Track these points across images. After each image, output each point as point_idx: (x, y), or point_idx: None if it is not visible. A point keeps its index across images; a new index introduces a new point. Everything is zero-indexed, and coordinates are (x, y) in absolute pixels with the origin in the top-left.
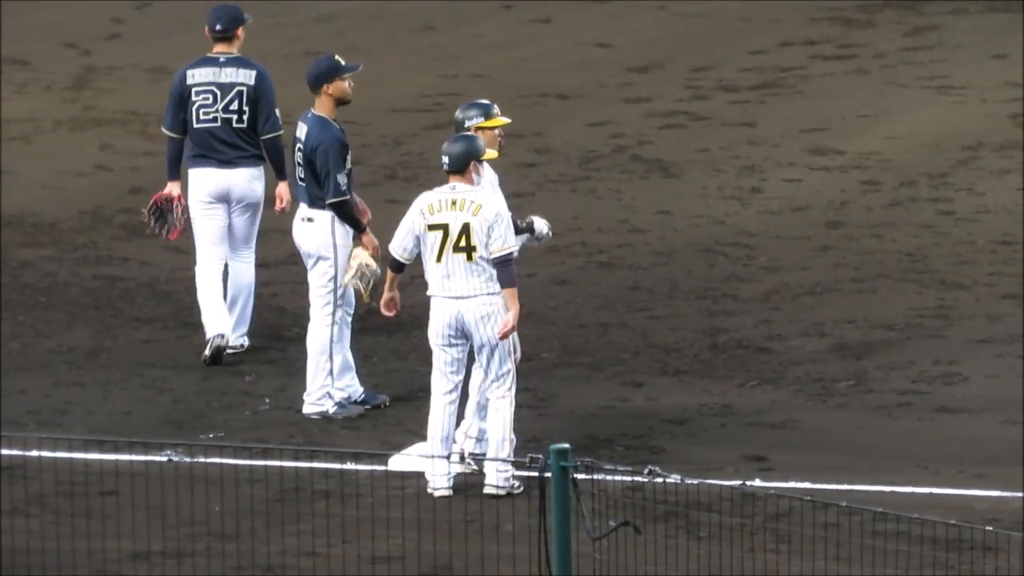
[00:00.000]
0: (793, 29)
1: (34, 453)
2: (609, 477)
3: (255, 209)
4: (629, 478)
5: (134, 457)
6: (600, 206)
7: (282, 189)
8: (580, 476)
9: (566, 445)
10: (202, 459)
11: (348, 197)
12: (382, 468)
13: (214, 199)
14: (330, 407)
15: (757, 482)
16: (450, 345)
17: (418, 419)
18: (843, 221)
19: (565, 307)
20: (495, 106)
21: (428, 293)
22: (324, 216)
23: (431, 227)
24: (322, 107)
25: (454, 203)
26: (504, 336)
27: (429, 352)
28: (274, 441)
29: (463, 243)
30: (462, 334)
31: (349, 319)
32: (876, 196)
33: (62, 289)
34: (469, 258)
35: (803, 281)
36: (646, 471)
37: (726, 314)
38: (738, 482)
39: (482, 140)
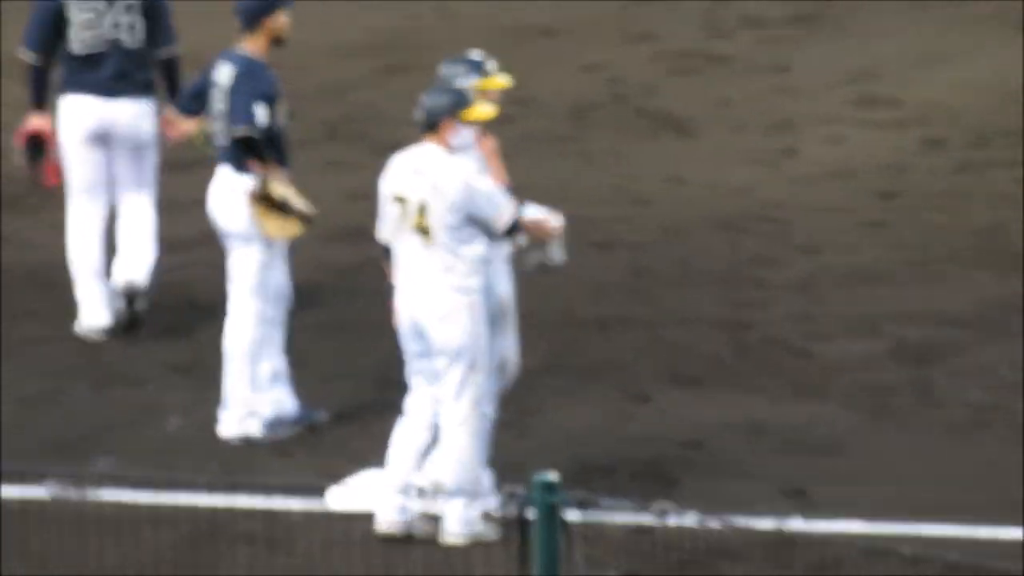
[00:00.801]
0: None
1: None
2: (608, 516)
3: (146, 150)
4: (633, 517)
5: (6, 490)
6: (595, 171)
7: (173, 113)
8: (571, 515)
9: (553, 475)
10: (93, 493)
11: (260, 134)
12: (320, 506)
13: (93, 136)
14: (254, 428)
15: (796, 523)
16: (416, 349)
17: (365, 441)
18: (899, 190)
19: (551, 299)
20: (491, 61)
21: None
22: (252, 184)
23: (393, 197)
24: (254, 47)
25: (414, 170)
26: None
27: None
28: (183, 470)
29: (421, 223)
30: (424, 335)
31: (281, 316)
32: (941, 159)
33: None
34: (427, 242)
35: (850, 265)
36: (655, 509)
37: (753, 307)
38: (772, 523)
39: (471, 94)
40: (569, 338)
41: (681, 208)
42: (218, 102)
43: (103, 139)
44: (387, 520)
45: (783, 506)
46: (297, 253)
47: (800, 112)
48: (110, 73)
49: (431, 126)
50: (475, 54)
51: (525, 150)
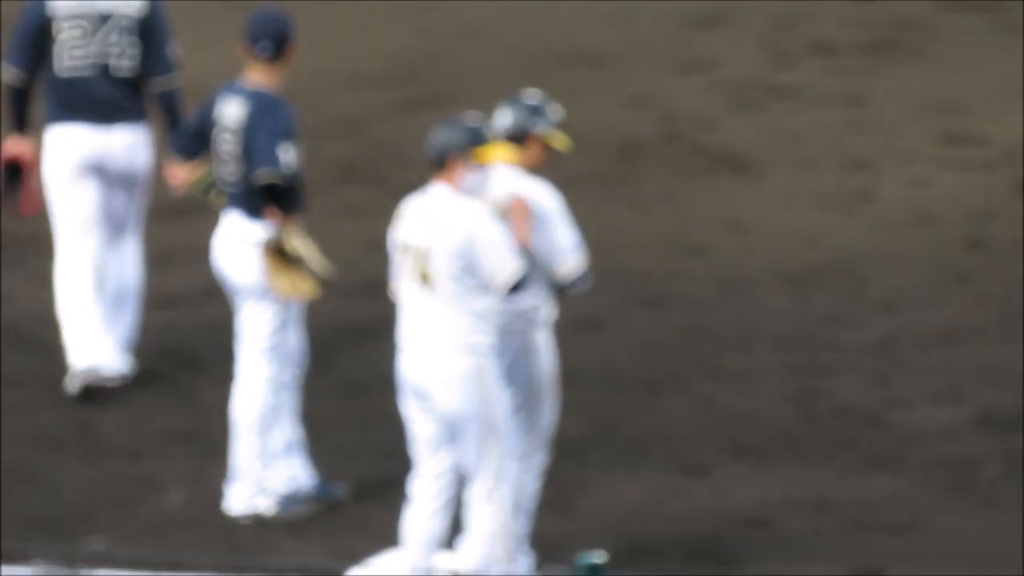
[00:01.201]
0: None
1: None
2: None
3: (140, 185)
4: None
5: None
6: (645, 217)
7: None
8: None
9: (599, 556)
10: (84, 574)
11: (286, 180)
12: None
13: (84, 168)
14: (266, 504)
15: None
16: (421, 417)
17: (388, 518)
18: (988, 239)
19: (596, 361)
20: (553, 107)
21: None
22: (267, 234)
23: (402, 247)
24: (269, 79)
25: (420, 214)
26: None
27: (404, 423)
28: (186, 550)
29: (422, 270)
30: (429, 401)
31: (296, 381)
32: None
33: None
34: (431, 295)
35: (932, 324)
36: None
37: (823, 371)
38: None
39: (486, 131)
40: (617, 405)
41: (742, 259)
42: (226, 142)
43: (94, 172)
44: None
45: None
46: (311, 310)
47: (876, 150)
48: (100, 100)
49: (439, 163)
50: (532, 96)
51: (566, 193)
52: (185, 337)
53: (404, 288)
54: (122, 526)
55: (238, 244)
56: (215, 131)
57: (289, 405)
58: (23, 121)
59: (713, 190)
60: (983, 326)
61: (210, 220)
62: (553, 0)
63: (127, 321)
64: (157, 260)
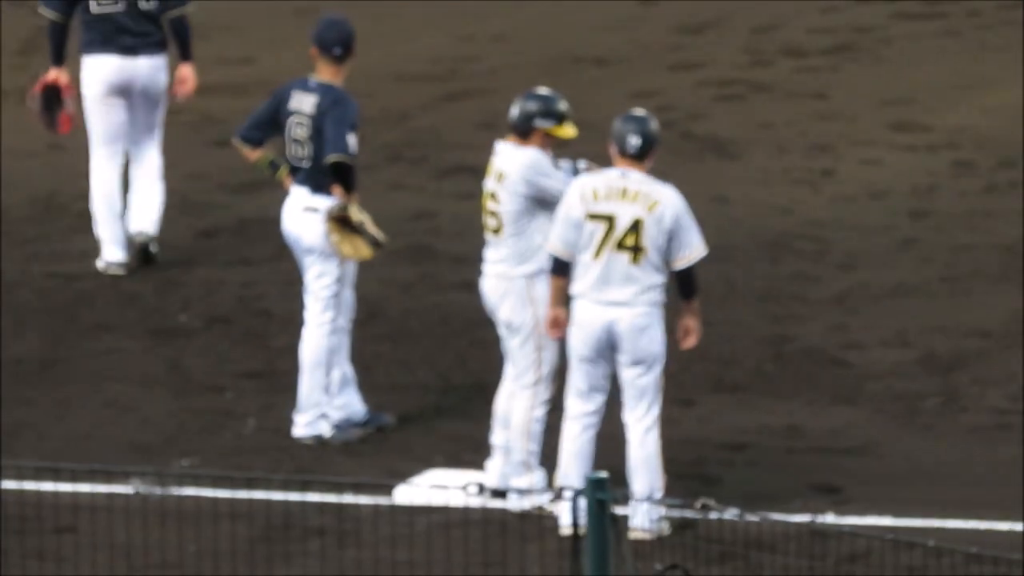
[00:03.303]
0: None
1: None
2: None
3: (159, 100)
4: (678, 513)
5: (95, 488)
6: None
7: (186, 71)
8: (620, 511)
9: (603, 473)
10: (174, 490)
11: (351, 161)
12: (387, 501)
13: (114, 91)
14: (326, 430)
15: (829, 517)
16: (594, 361)
17: (428, 442)
18: (931, 209)
19: None
20: (563, 101)
21: (573, 293)
22: (331, 205)
23: (591, 216)
24: (338, 76)
25: (624, 192)
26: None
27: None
28: (259, 469)
29: (630, 242)
30: (610, 348)
31: (349, 327)
32: (970, 180)
33: (9, 290)
34: (634, 260)
35: (884, 281)
36: (698, 504)
37: (793, 319)
38: (807, 517)
39: None
40: None
41: (726, 227)
42: (299, 127)
43: (123, 93)
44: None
45: (817, 502)
46: (363, 269)
47: (837, 136)
48: (128, 33)
49: (644, 154)
50: (545, 91)
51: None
52: (259, 291)
53: (592, 252)
54: (206, 450)
55: (305, 213)
56: (291, 119)
57: (344, 346)
58: (61, 54)
59: (701, 170)
60: (926, 282)
61: (277, 194)
62: (568, 12)
63: (153, 214)
64: (234, 228)
